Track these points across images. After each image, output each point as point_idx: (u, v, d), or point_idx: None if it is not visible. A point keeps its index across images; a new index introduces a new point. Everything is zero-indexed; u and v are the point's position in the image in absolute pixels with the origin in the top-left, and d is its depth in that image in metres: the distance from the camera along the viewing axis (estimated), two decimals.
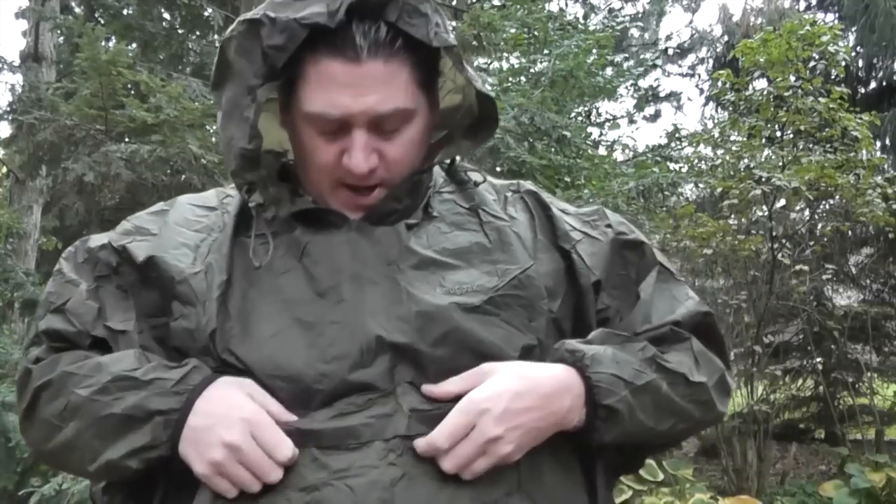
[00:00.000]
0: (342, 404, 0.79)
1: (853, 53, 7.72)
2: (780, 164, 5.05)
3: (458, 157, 0.98)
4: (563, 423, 0.83)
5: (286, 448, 0.77)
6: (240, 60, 0.85)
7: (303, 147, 0.89)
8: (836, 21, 7.98)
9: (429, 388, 0.81)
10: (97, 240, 0.95)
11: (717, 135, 5.76)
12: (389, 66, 0.83)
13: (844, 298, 7.34)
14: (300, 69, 0.84)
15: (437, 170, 0.97)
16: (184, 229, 0.91)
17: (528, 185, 1.01)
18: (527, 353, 0.85)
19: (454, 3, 6.01)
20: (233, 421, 0.77)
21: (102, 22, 5.46)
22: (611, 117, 11.65)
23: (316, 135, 0.86)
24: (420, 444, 0.77)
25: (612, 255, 0.94)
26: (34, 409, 0.86)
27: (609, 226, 0.97)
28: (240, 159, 0.86)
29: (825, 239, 5.37)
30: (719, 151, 5.63)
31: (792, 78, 5.09)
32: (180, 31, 5.51)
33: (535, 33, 7.13)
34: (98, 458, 0.81)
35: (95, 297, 0.89)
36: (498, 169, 5.02)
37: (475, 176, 0.98)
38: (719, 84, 5.87)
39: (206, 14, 5.26)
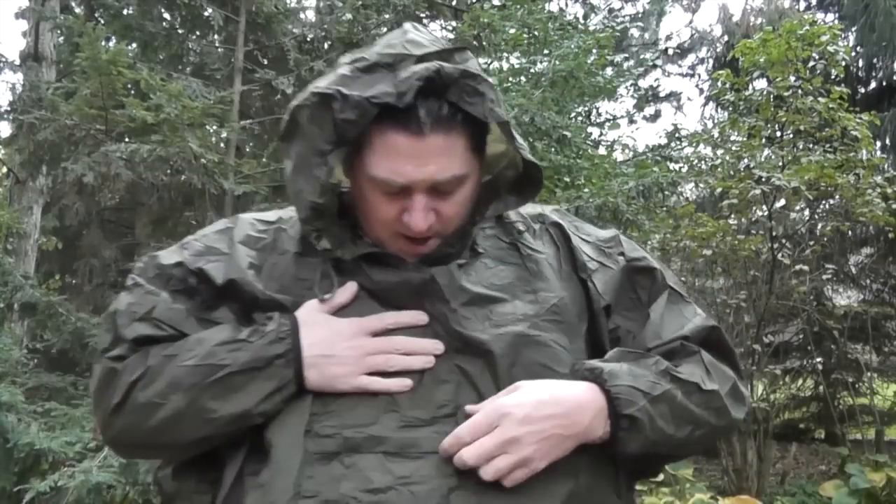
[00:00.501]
0: (410, 417, 0.89)
1: (853, 53, 7.72)
2: (780, 164, 5.05)
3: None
4: (586, 435, 0.89)
5: (401, 316, 0.93)
6: (311, 127, 0.92)
7: (365, 201, 0.97)
8: (836, 21, 7.97)
9: (471, 408, 0.89)
10: (167, 257, 1.02)
11: (716, 135, 5.75)
12: (449, 139, 0.91)
13: (844, 298, 7.34)
14: (366, 136, 0.92)
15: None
16: (249, 248, 1.00)
17: (552, 214, 1.09)
18: (574, 372, 0.94)
19: (454, 3, 6.00)
20: (343, 334, 0.92)
21: (102, 22, 5.45)
22: (611, 117, 11.64)
23: (379, 194, 0.94)
24: (447, 440, 0.86)
25: (624, 281, 1.03)
26: (126, 401, 0.92)
27: (622, 253, 1.06)
28: (310, 211, 0.95)
29: (825, 239, 5.36)
30: (719, 151, 5.63)
31: (792, 78, 5.09)
32: (180, 31, 5.51)
33: (536, 33, 7.14)
34: (217, 418, 0.90)
35: (179, 303, 0.97)
36: None
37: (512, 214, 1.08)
38: (719, 84, 5.86)
39: (206, 14, 5.25)
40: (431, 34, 0.99)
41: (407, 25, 1.00)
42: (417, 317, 0.93)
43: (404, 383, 0.90)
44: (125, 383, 0.92)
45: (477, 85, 0.91)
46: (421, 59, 0.91)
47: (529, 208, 1.09)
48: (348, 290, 0.95)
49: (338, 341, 0.91)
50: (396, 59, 0.91)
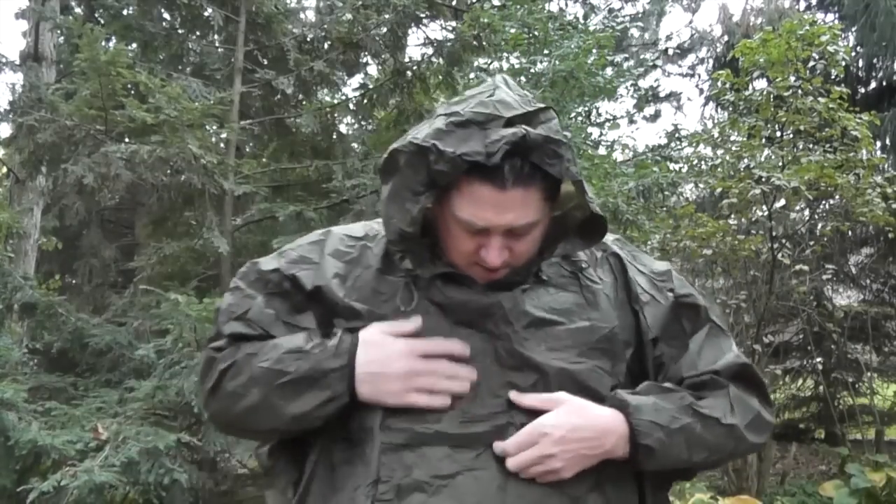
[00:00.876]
0: (471, 415, 1.04)
1: (853, 53, 7.72)
2: (780, 163, 5.04)
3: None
4: (609, 454, 1.05)
5: (455, 346, 1.05)
6: (407, 170, 1.05)
7: (448, 232, 1.10)
8: (837, 21, 7.97)
9: (516, 397, 1.05)
10: (267, 264, 1.17)
11: (716, 135, 5.75)
12: (527, 193, 1.04)
13: (844, 298, 7.34)
14: (455, 182, 1.04)
15: None
16: (337, 260, 1.15)
17: (613, 245, 1.22)
18: (609, 399, 1.09)
19: (454, 3, 6.00)
20: (395, 356, 1.04)
21: (102, 22, 5.44)
22: (611, 117, 11.63)
23: (460, 231, 1.07)
24: (497, 446, 1.02)
25: (672, 315, 1.16)
26: (219, 386, 1.09)
27: (671, 290, 1.18)
28: (397, 235, 1.08)
29: (825, 239, 5.36)
30: (719, 151, 5.63)
31: (791, 78, 5.08)
32: (180, 31, 5.50)
33: (536, 33, 7.14)
34: (284, 415, 1.05)
35: (271, 307, 1.12)
36: None
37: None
38: (719, 84, 5.86)
39: (206, 14, 5.25)
40: (520, 91, 1.10)
41: (498, 80, 1.11)
42: (463, 347, 1.05)
43: (446, 402, 1.04)
44: (217, 371, 1.09)
45: (557, 148, 1.03)
46: (509, 121, 1.03)
47: (603, 243, 1.22)
48: (413, 323, 1.07)
49: (390, 362, 1.04)
50: (487, 119, 1.03)
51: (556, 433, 1.02)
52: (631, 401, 1.07)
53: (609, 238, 1.22)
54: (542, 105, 1.08)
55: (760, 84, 5.95)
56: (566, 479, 1.04)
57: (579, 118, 8.77)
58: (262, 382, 1.05)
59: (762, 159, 5.23)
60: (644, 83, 12.03)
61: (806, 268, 4.97)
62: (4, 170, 6.72)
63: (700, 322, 1.19)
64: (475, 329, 1.09)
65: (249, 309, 1.12)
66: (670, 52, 13.49)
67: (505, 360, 1.07)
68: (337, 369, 1.03)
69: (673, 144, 8.13)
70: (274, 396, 1.05)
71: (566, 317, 1.11)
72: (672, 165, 6.83)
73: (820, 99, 4.94)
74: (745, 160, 5.19)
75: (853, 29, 8.09)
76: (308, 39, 5.14)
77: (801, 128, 5.04)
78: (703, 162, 5.89)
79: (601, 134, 10.03)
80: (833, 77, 5.61)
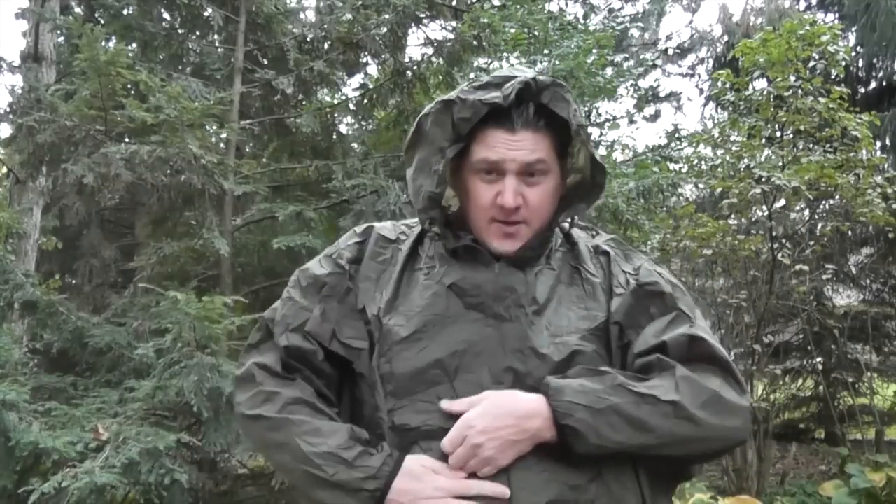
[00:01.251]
0: None
1: (853, 53, 7.72)
2: (780, 163, 5.04)
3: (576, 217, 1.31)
4: (538, 437, 1.08)
5: (485, 487, 1.08)
6: (434, 129, 1.18)
7: (468, 193, 1.21)
8: (837, 21, 7.96)
9: (446, 405, 1.10)
10: (319, 268, 1.26)
11: (717, 135, 5.75)
12: (535, 136, 1.17)
13: (844, 298, 7.34)
14: (474, 137, 1.17)
15: (558, 233, 1.29)
16: (372, 262, 1.25)
17: (604, 244, 1.30)
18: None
19: (454, 3, 6.00)
20: (428, 494, 1.07)
21: (102, 22, 5.44)
22: (611, 117, 11.62)
23: (479, 181, 1.18)
24: (441, 444, 1.09)
25: (635, 302, 1.20)
26: (255, 423, 1.16)
27: (637, 280, 1.23)
28: (427, 200, 1.19)
29: (825, 239, 5.36)
30: (719, 151, 5.62)
31: (792, 78, 5.08)
32: (180, 31, 5.50)
33: (536, 33, 7.13)
34: (309, 494, 1.12)
35: (328, 320, 1.19)
36: None
37: (577, 233, 1.31)
38: (719, 84, 5.86)
39: (206, 14, 5.25)
40: (535, 71, 1.24)
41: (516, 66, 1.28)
42: (500, 490, 1.07)
43: None
44: (256, 411, 1.16)
45: (564, 93, 1.17)
46: (523, 76, 1.17)
47: (596, 240, 1.32)
48: (457, 473, 1.10)
49: (423, 499, 1.07)
50: (504, 79, 1.17)
51: (479, 424, 1.07)
52: (552, 383, 1.10)
53: (602, 238, 1.32)
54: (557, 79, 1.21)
55: (760, 84, 5.95)
56: (568, 468, 1.09)
57: None
58: (298, 459, 1.11)
59: (762, 159, 5.23)
60: (644, 83, 12.01)
61: (806, 268, 4.97)
62: (4, 170, 6.71)
63: (665, 309, 1.21)
64: (485, 313, 1.16)
65: (307, 321, 1.19)
66: (670, 52, 13.49)
67: (509, 344, 1.13)
68: (371, 490, 1.08)
69: (673, 144, 8.12)
70: (304, 477, 1.12)
71: (568, 305, 1.19)
72: (672, 165, 6.82)
73: (820, 99, 4.94)
74: (746, 160, 5.19)
75: (853, 29, 8.09)
76: (308, 39, 5.14)
77: (802, 128, 5.04)
78: (703, 162, 5.88)
79: (601, 134, 10.02)
80: (833, 77, 5.61)
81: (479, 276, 1.18)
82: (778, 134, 5.49)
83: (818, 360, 6.28)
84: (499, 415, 1.08)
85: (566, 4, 11.84)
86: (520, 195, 1.17)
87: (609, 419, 1.07)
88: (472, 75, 7.35)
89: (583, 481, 1.09)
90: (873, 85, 8.53)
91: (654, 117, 13.86)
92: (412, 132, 1.22)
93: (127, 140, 4.18)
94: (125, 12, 5.10)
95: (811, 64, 5.23)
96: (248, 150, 6.16)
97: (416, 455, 1.10)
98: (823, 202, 5.76)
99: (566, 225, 1.30)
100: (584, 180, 1.26)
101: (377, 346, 1.16)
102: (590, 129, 1.16)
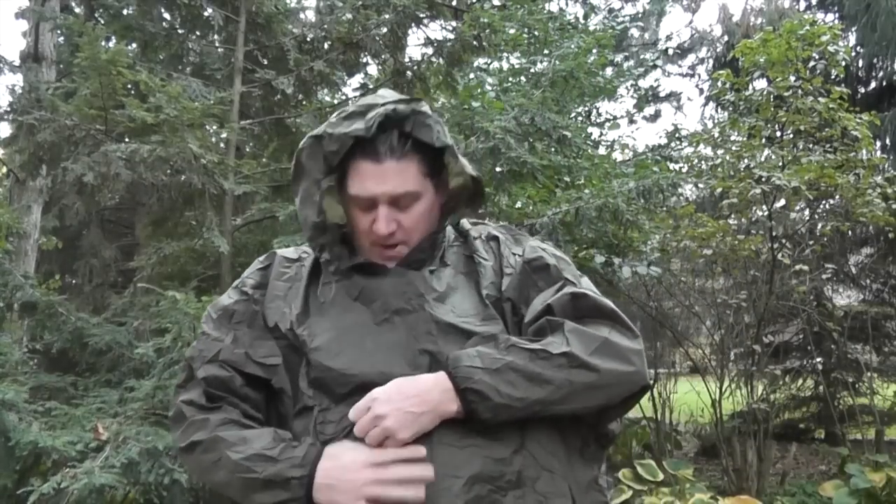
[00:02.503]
0: None
1: (853, 53, 7.72)
2: (780, 163, 5.04)
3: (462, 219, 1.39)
4: (440, 409, 1.12)
5: (402, 452, 1.11)
6: (310, 163, 1.26)
7: (351, 219, 1.29)
8: (837, 21, 7.97)
9: (351, 414, 1.13)
10: (224, 300, 1.32)
11: (717, 135, 5.75)
12: (401, 164, 1.23)
13: (844, 298, 7.34)
14: (347, 168, 1.24)
15: (451, 231, 1.37)
16: (278, 282, 1.31)
17: (494, 230, 1.38)
18: None
19: (454, 3, 6.00)
20: (349, 468, 1.12)
21: (102, 22, 5.44)
22: (611, 117, 11.62)
23: (357, 210, 1.26)
24: (350, 413, 1.13)
25: (523, 278, 1.27)
26: (191, 452, 1.21)
27: (522, 256, 1.30)
28: (312, 229, 1.28)
29: (825, 239, 5.36)
30: (719, 151, 5.63)
31: (792, 78, 5.09)
32: (180, 31, 5.49)
33: (536, 33, 7.13)
34: (249, 499, 1.16)
35: (241, 345, 1.25)
36: (498, 169, 5.01)
37: (467, 226, 1.39)
38: (719, 84, 5.86)
39: (206, 14, 5.25)
40: (400, 95, 1.30)
41: (382, 90, 1.32)
42: (417, 451, 1.11)
43: None
44: (189, 438, 1.20)
45: (425, 119, 1.24)
46: (385, 105, 1.23)
47: (488, 229, 1.38)
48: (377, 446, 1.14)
49: (345, 473, 1.12)
50: (368, 108, 1.23)
51: (382, 396, 1.11)
52: (450, 356, 1.14)
53: (493, 227, 1.40)
54: (414, 98, 1.28)
55: (760, 84, 5.96)
56: (490, 442, 1.12)
57: (579, 118, 8.77)
58: (231, 469, 1.16)
59: (762, 159, 5.23)
60: (644, 83, 12.03)
61: (806, 268, 4.97)
62: (4, 170, 6.71)
63: (552, 280, 1.26)
64: (389, 311, 1.22)
65: (220, 350, 1.25)
66: (670, 52, 13.49)
67: (420, 330, 1.19)
68: (298, 478, 1.13)
69: (673, 144, 8.11)
70: (239, 485, 1.16)
71: (467, 291, 1.26)
72: (672, 165, 6.82)
73: (820, 99, 4.94)
74: (746, 160, 5.19)
75: (853, 29, 8.10)
76: (308, 39, 5.13)
77: (802, 128, 5.05)
78: (703, 162, 5.88)
79: (601, 134, 10.03)
80: (833, 77, 5.62)
81: (377, 281, 1.25)
82: (778, 134, 5.49)
83: (818, 360, 6.29)
84: (402, 389, 1.12)
85: (566, 4, 11.84)
86: (393, 221, 1.24)
87: (506, 376, 1.11)
88: (472, 75, 7.36)
89: (507, 453, 1.12)
90: (873, 85, 8.54)
91: (654, 117, 13.87)
92: (293, 166, 1.29)
93: (127, 140, 4.18)
94: (125, 12, 5.09)
95: (811, 64, 5.24)
96: (248, 150, 6.15)
97: (338, 441, 1.16)
98: (823, 202, 5.76)
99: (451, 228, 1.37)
100: (467, 184, 1.32)
101: (301, 356, 1.21)
102: (456, 147, 1.31)
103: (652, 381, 6.51)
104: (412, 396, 1.11)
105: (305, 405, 1.19)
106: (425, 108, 1.25)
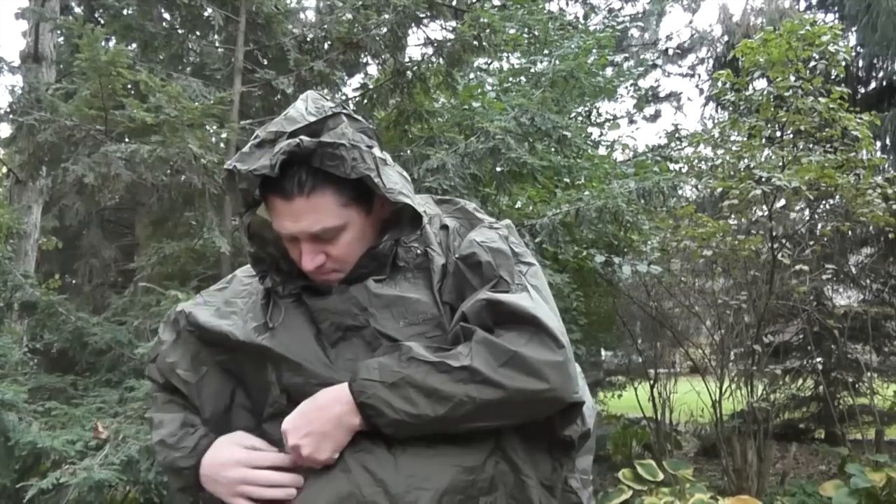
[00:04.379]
0: None
1: (854, 53, 7.72)
2: (780, 164, 5.05)
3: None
4: (344, 422, 1.08)
5: (279, 458, 1.15)
6: (231, 195, 1.21)
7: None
8: (837, 21, 7.97)
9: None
10: (180, 306, 1.32)
11: (717, 135, 5.75)
12: (311, 200, 1.14)
13: (844, 298, 7.34)
14: (266, 199, 1.18)
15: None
16: (236, 299, 1.30)
17: (446, 217, 1.29)
18: None
19: (454, 3, 6.00)
20: (225, 464, 1.16)
21: (102, 22, 5.44)
22: (611, 117, 11.63)
23: (287, 242, 1.21)
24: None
25: (459, 277, 1.18)
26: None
27: (457, 253, 1.21)
28: (250, 258, 1.27)
29: (825, 239, 5.36)
30: (719, 151, 5.63)
31: (792, 78, 5.09)
32: (180, 32, 5.49)
33: (536, 33, 7.13)
34: (172, 485, 1.25)
35: (173, 354, 1.27)
36: (498, 169, 5.02)
37: (431, 211, 1.30)
38: (719, 84, 5.86)
39: (206, 14, 5.25)
40: (321, 105, 1.20)
41: (304, 95, 1.23)
42: (285, 459, 1.14)
43: None
44: (148, 415, 1.31)
45: (335, 150, 1.13)
46: (293, 133, 1.14)
47: (443, 216, 1.30)
48: (260, 442, 1.20)
49: (222, 469, 1.16)
50: (276, 136, 1.15)
51: (290, 426, 1.11)
52: (356, 366, 1.11)
53: (449, 210, 1.32)
54: (330, 114, 1.18)
55: (761, 84, 5.96)
56: (460, 450, 1.07)
57: (579, 118, 8.77)
58: (158, 455, 1.25)
59: (762, 159, 5.23)
60: (644, 83, 12.04)
61: (806, 268, 4.97)
62: (4, 170, 6.72)
63: (485, 278, 1.16)
64: (345, 329, 1.18)
65: (157, 356, 1.30)
66: (670, 52, 13.50)
67: (373, 345, 1.15)
68: (188, 468, 1.19)
69: (673, 144, 8.12)
70: (160, 464, 1.27)
71: (420, 292, 1.18)
72: (672, 165, 6.82)
73: (820, 99, 4.94)
74: (746, 160, 5.19)
75: (854, 29, 8.10)
76: (308, 39, 5.13)
77: (802, 128, 5.05)
78: (703, 162, 5.89)
79: (601, 134, 10.03)
80: (833, 77, 5.61)
81: (322, 301, 1.21)
82: (778, 134, 5.49)
83: (818, 360, 6.28)
84: (304, 411, 1.11)
85: (566, 4, 11.85)
86: (321, 254, 1.18)
87: (403, 391, 1.05)
88: (472, 75, 7.36)
89: (480, 460, 1.07)
90: (873, 85, 8.54)
91: (654, 117, 13.89)
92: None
93: (127, 140, 4.18)
94: (125, 12, 5.09)
95: (811, 64, 5.24)
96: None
97: (227, 435, 1.20)
98: (823, 202, 5.76)
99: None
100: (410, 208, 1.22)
101: (260, 364, 1.21)
102: (377, 163, 1.16)
103: (652, 381, 6.53)
104: (315, 418, 1.09)
105: (277, 411, 1.18)
106: (341, 135, 1.15)
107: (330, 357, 1.16)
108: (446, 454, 1.07)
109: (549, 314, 1.11)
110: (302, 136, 1.13)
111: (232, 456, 1.17)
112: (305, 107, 1.20)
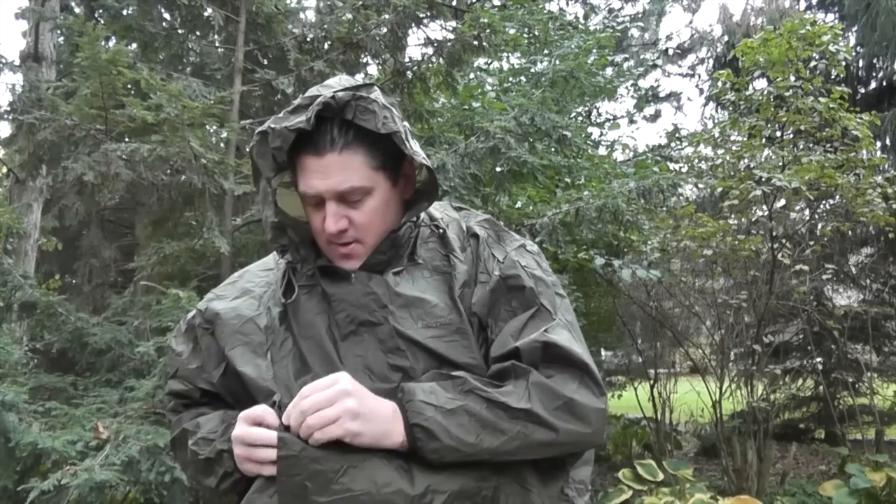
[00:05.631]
0: None
1: (854, 53, 7.72)
2: (781, 164, 5.05)
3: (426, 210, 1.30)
4: (385, 438, 1.06)
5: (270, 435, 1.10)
6: (260, 161, 1.21)
7: (308, 218, 1.23)
8: (837, 20, 7.97)
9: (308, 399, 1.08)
10: (191, 313, 1.32)
11: (717, 135, 5.75)
12: (343, 156, 1.15)
13: (844, 298, 7.34)
14: (295, 163, 1.19)
15: (427, 223, 1.29)
16: (254, 288, 1.29)
17: (476, 226, 1.29)
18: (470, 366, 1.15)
19: (454, 3, 6.00)
20: (236, 446, 1.13)
21: (102, 22, 5.44)
22: (611, 117, 11.64)
23: (309, 208, 1.21)
24: (295, 416, 1.07)
25: (496, 295, 1.19)
26: (175, 452, 1.30)
27: (500, 270, 1.22)
28: (272, 230, 1.23)
29: (825, 239, 5.36)
30: (719, 151, 5.63)
31: (792, 78, 5.09)
32: (180, 32, 5.49)
33: (536, 33, 7.13)
34: (204, 487, 1.21)
35: (195, 359, 1.26)
36: (498, 169, 5.02)
37: (449, 216, 1.32)
38: (719, 84, 5.86)
39: (206, 14, 5.25)
40: (354, 80, 1.22)
41: (329, 80, 1.24)
42: (269, 436, 1.09)
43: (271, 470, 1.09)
44: (171, 439, 1.28)
45: (367, 105, 1.15)
46: (326, 95, 1.16)
47: (470, 220, 1.31)
48: (269, 415, 1.12)
49: (236, 446, 1.13)
50: (312, 100, 1.17)
51: (354, 405, 1.05)
52: (405, 387, 1.09)
53: (477, 220, 1.32)
54: (364, 83, 1.19)
55: (761, 84, 5.96)
56: (468, 470, 1.08)
57: (579, 118, 8.77)
58: (191, 458, 1.22)
59: (762, 159, 5.24)
60: (644, 83, 12.03)
61: (806, 268, 4.97)
62: (4, 170, 6.72)
63: (527, 303, 1.19)
64: (358, 323, 1.17)
65: (178, 368, 1.28)
66: (670, 52, 13.50)
67: (387, 344, 1.15)
68: (227, 450, 1.15)
69: (673, 144, 8.12)
70: (194, 472, 1.22)
71: (437, 296, 1.18)
72: (672, 165, 6.82)
73: (820, 99, 4.94)
74: (746, 160, 5.20)
75: (854, 29, 8.10)
76: (308, 39, 5.13)
77: (802, 128, 5.05)
78: (703, 162, 5.89)
79: (601, 134, 10.04)
80: (833, 77, 5.62)
81: (341, 291, 1.20)
82: (778, 134, 5.49)
83: (818, 360, 6.28)
84: (368, 403, 1.07)
85: (566, 4, 11.85)
86: (343, 218, 1.17)
87: (460, 419, 1.06)
88: (472, 75, 7.36)
89: (487, 469, 1.09)
90: (873, 85, 8.54)
91: (654, 117, 13.89)
92: (251, 166, 1.24)
93: (127, 139, 4.17)
94: (125, 12, 5.09)
95: (812, 64, 5.24)
96: (248, 150, 6.15)
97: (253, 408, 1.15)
98: (823, 202, 5.76)
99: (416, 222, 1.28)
100: (429, 178, 1.25)
101: (269, 352, 1.19)
102: (407, 131, 1.19)
103: (652, 381, 6.53)
104: (374, 416, 1.06)
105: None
106: (372, 93, 1.17)
107: (340, 352, 1.16)
108: (456, 464, 1.08)
109: (590, 357, 1.16)
110: (337, 92, 1.16)
111: (237, 433, 1.13)
112: (339, 79, 1.23)
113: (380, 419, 1.06)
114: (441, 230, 1.28)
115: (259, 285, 1.29)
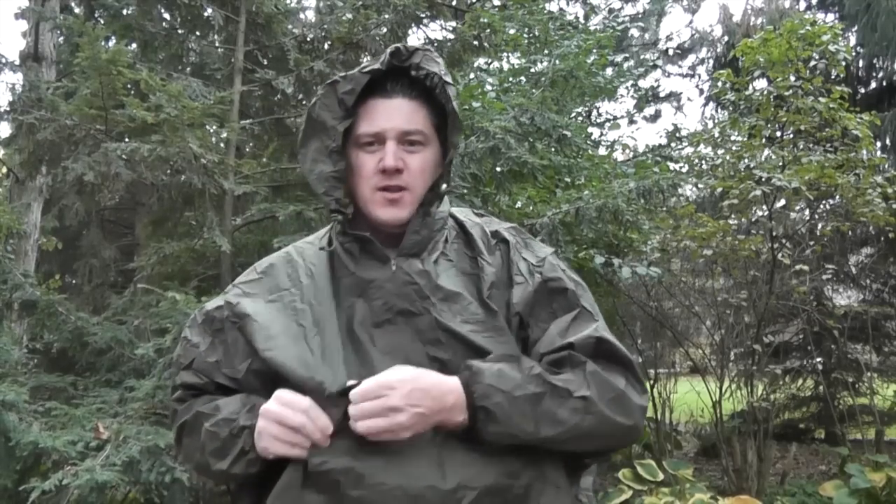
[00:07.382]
0: None
1: (854, 53, 7.72)
2: (781, 164, 5.04)
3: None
4: (447, 417, 1.08)
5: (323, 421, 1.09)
6: (323, 113, 1.23)
7: (354, 168, 1.24)
8: (837, 20, 7.97)
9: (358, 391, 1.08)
10: (209, 305, 1.29)
11: (717, 135, 5.75)
12: (411, 103, 1.24)
13: (844, 298, 7.34)
14: (359, 112, 1.23)
15: (452, 225, 1.32)
16: (289, 280, 1.25)
17: (505, 232, 1.32)
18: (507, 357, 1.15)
19: (454, 3, 6.00)
20: (268, 418, 1.09)
21: (102, 22, 5.44)
22: (611, 117, 11.63)
23: (363, 154, 1.23)
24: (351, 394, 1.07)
25: (538, 297, 1.23)
26: (180, 440, 1.24)
27: (541, 273, 1.25)
28: (329, 181, 1.22)
29: (825, 239, 5.36)
30: (719, 151, 5.62)
31: (792, 78, 5.09)
32: (180, 31, 5.49)
33: (536, 33, 7.13)
34: (213, 471, 1.17)
35: (213, 353, 1.23)
36: (498, 169, 5.01)
37: (472, 220, 1.35)
38: (719, 84, 5.86)
39: (206, 14, 5.25)
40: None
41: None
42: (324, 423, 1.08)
43: (300, 454, 1.08)
44: (177, 425, 1.24)
45: (434, 56, 1.24)
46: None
47: (494, 225, 1.34)
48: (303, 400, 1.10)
49: (265, 424, 1.10)
50: (378, 59, 1.24)
51: (403, 388, 1.06)
52: (473, 366, 1.10)
53: (504, 226, 1.35)
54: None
55: (761, 84, 5.96)
56: (502, 456, 1.09)
57: (579, 118, 8.76)
58: (205, 441, 1.17)
59: (762, 159, 5.23)
60: (644, 83, 12.01)
61: (806, 268, 4.97)
62: (4, 169, 6.71)
63: (569, 305, 1.23)
64: (396, 312, 1.17)
65: (194, 359, 1.24)
66: (670, 52, 13.50)
67: (426, 335, 1.16)
68: (248, 426, 1.12)
69: (673, 144, 8.11)
70: (207, 455, 1.17)
71: (471, 294, 1.21)
72: (672, 165, 6.81)
73: (820, 99, 4.94)
74: (746, 160, 5.19)
75: (854, 29, 8.10)
76: (308, 39, 5.13)
77: (802, 128, 5.05)
78: (703, 162, 5.88)
79: (601, 134, 10.02)
80: (833, 77, 5.62)
81: (379, 275, 1.20)
82: (778, 134, 5.49)
83: (818, 360, 6.28)
84: (422, 385, 1.07)
85: (566, 4, 11.85)
86: (401, 159, 1.21)
87: (522, 407, 1.08)
88: (472, 75, 7.35)
89: (518, 466, 1.11)
90: (873, 85, 8.54)
91: (654, 117, 13.88)
92: (304, 126, 1.26)
93: (127, 139, 4.17)
94: (125, 12, 5.09)
95: (812, 64, 5.24)
96: (248, 150, 6.15)
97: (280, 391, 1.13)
98: (823, 202, 5.76)
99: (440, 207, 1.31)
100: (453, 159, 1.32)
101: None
102: (454, 90, 1.27)
103: (652, 381, 6.53)
104: (433, 396, 1.07)
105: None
106: (432, 49, 1.27)
107: (374, 339, 1.15)
108: (491, 456, 1.09)
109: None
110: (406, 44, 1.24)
111: (270, 411, 1.11)
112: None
113: (432, 400, 1.07)
114: (467, 233, 1.31)
115: (292, 279, 1.25)
